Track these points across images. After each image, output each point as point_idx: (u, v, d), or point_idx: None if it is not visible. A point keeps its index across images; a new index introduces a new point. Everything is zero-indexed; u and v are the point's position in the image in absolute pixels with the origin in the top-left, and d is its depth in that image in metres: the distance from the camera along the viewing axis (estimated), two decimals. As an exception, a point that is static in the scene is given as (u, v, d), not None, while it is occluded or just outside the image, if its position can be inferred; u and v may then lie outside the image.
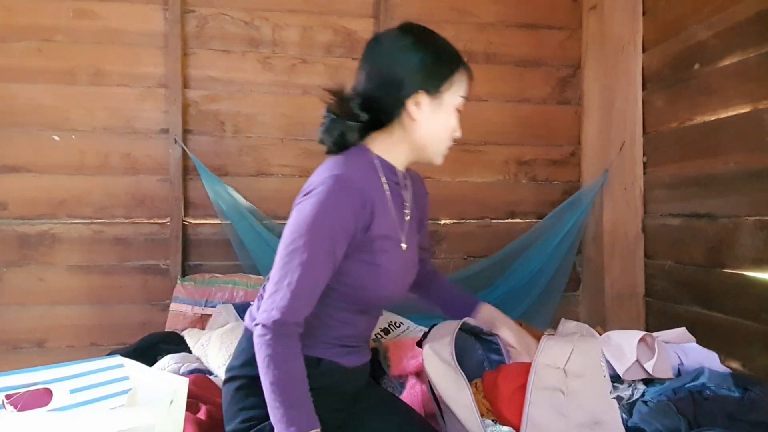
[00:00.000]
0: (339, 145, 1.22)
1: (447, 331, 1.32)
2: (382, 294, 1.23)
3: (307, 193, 1.16)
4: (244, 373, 1.21)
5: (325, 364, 1.21)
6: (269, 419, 1.11)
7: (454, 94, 1.21)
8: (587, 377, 1.20)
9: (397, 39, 1.20)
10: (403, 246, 1.24)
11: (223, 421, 1.22)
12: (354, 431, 1.23)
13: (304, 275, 1.09)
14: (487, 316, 1.44)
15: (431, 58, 1.18)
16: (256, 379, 1.16)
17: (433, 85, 1.18)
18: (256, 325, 1.11)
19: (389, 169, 1.24)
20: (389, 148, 1.23)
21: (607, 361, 1.28)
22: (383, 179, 1.22)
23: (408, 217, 1.28)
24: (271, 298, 1.11)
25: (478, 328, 1.40)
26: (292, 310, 1.09)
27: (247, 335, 1.24)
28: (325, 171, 1.16)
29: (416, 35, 1.20)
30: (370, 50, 1.23)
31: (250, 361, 1.18)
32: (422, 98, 1.18)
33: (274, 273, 1.13)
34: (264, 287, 1.25)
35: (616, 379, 1.28)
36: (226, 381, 1.25)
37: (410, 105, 1.18)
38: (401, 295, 1.34)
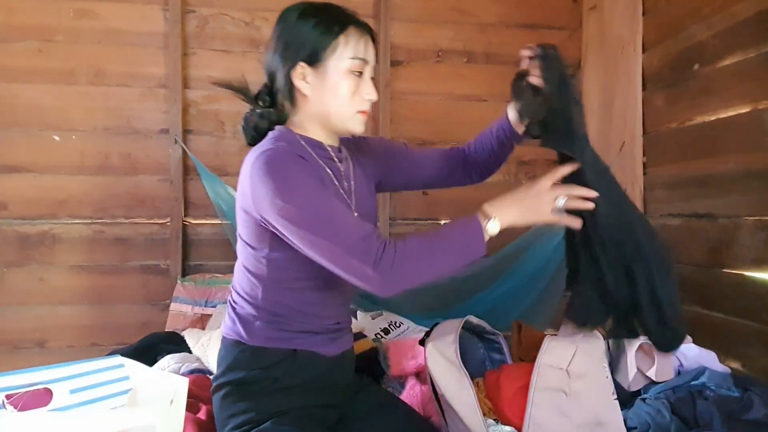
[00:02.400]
0: (258, 136, 1.19)
1: (450, 330, 1.31)
2: None
3: (244, 184, 1.10)
4: (228, 379, 1.18)
5: (301, 355, 1.17)
6: (261, 424, 1.10)
7: (341, 57, 1.13)
8: (590, 378, 1.20)
9: (278, 23, 1.18)
10: (355, 214, 1.19)
11: None
12: (354, 431, 1.22)
13: (325, 214, 1.03)
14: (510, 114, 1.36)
15: (306, 29, 1.13)
16: (240, 383, 1.15)
17: (313, 54, 1.13)
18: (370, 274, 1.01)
19: (316, 145, 1.19)
20: (305, 127, 1.19)
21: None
22: (312, 153, 1.17)
23: (352, 183, 1.23)
24: (327, 258, 1.03)
25: (480, 327, 1.40)
26: (353, 230, 1.03)
27: (224, 342, 1.22)
28: (249, 156, 1.11)
29: (295, 12, 1.16)
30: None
31: (231, 367, 1.17)
32: (306, 70, 1.14)
33: (308, 245, 1.04)
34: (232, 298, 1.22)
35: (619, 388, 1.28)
36: (213, 392, 1.21)
37: (296, 80, 1.14)
38: None
